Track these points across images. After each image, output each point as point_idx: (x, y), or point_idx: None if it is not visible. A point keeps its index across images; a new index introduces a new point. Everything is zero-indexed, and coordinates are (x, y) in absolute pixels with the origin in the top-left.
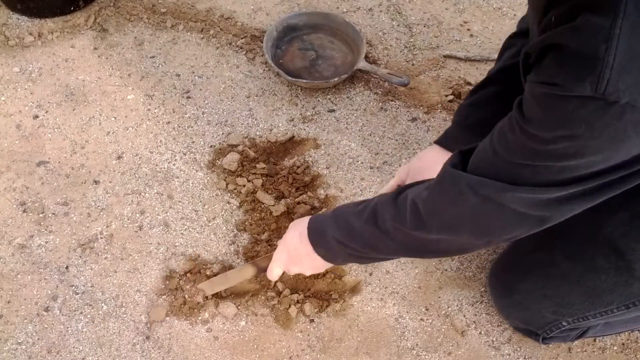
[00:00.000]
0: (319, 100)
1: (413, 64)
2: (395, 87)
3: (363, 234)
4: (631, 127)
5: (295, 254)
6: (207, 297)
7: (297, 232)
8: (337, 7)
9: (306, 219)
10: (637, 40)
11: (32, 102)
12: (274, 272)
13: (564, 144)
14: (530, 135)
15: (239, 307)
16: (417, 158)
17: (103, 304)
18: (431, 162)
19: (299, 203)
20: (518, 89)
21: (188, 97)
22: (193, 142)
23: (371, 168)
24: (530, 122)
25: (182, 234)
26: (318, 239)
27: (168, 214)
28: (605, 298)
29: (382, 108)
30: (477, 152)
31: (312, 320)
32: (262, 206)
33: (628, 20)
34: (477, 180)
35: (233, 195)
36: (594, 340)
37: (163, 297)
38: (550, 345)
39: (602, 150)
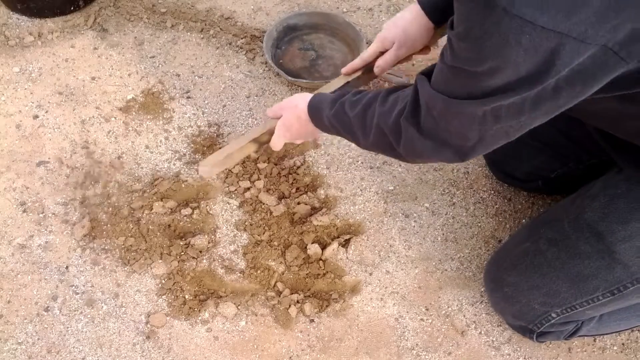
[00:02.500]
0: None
1: (413, 64)
2: (395, 87)
3: (351, 124)
4: (512, 35)
5: (291, 114)
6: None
7: (300, 100)
8: (337, 7)
9: (308, 96)
10: None
11: (32, 102)
12: (277, 142)
13: (465, 44)
14: (450, 39)
15: (239, 307)
16: (395, 20)
17: (103, 304)
18: (409, 24)
19: (299, 203)
20: None
21: (188, 97)
22: (193, 142)
23: (371, 168)
24: (451, 24)
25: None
26: (315, 115)
27: (169, 213)
28: (590, 284)
29: None
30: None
31: (312, 320)
32: (262, 206)
33: None
34: (432, 95)
35: (233, 195)
36: (594, 340)
37: (163, 297)
38: (550, 345)
39: (491, 56)
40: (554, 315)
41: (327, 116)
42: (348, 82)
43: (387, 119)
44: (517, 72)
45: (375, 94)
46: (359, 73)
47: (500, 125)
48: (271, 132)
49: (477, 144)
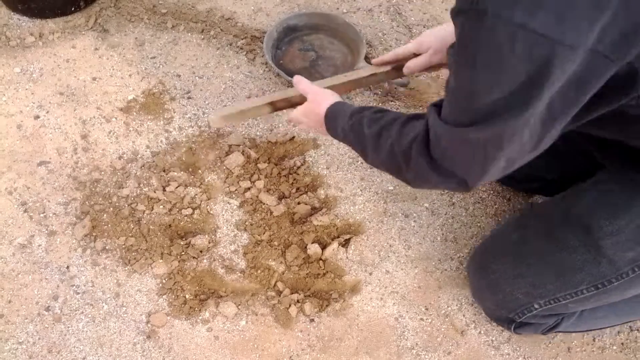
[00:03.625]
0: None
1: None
2: (395, 88)
3: (365, 140)
4: (505, 44)
5: (312, 108)
6: (217, 129)
7: (324, 101)
8: (337, 8)
9: (332, 99)
10: None
11: (33, 103)
12: (294, 119)
13: (464, 60)
14: (450, 59)
15: (239, 307)
16: (435, 30)
17: (103, 304)
18: (449, 35)
19: (299, 203)
20: None
21: (189, 98)
22: (194, 142)
23: (371, 168)
24: (451, 45)
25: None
26: (330, 123)
27: (169, 213)
28: (575, 277)
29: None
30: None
31: (312, 320)
32: (263, 206)
33: None
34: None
35: (234, 195)
36: (593, 340)
37: (163, 296)
38: (549, 345)
39: (487, 68)
40: (536, 306)
41: (342, 127)
42: (375, 74)
43: (401, 144)
44: (513, 83)
45: (395, 117)
46: (388, 68)
47: (503, 152)
48: (287, 100)
49: (481, 175)
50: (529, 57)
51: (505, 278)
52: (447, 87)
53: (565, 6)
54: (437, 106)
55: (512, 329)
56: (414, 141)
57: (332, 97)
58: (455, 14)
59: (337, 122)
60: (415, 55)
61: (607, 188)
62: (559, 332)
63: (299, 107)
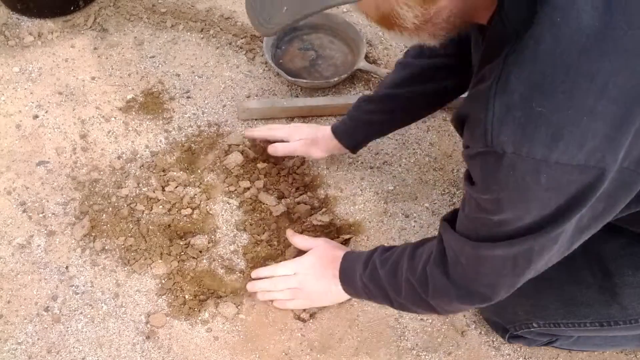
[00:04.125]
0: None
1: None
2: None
3: (383, 282)
4: (529, 177)
5: (322, 271)
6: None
7: (331, 252)
8: (337, 7)
9: (341, 249)
10: (509, 96)
11: (32, 102)
12: (285, 270)
13: (487, 196)
14: (470, 193)
15: (238, 307)
16: (317, 127)
17: (103, 304)
18: (320, 140)
19: (299, 203)
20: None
21: (188, 97)
22: (193, 141)
23: (371, 168)
24: (469, 180)
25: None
26: (347, 280)
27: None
28: (581, 311)
29: None
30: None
31: (312, 320)
32: (262, 206)
33: (501, 80)
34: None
35: (233, 195)
36: None
37: (163, 297)
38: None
39: (514, 203)
40: (535, 325)
41: (360, 276)
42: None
43: (415, 271)
44: (543, 211)
45: (403, 248)
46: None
47: (534, 266)
48: (310, 109)
49: (509, 290)
50: (558, 185)
51: (509, 294)
52: (464, 211)
53: (586, 133)
54: (450, 221)
55: (506, 337)
56: (428, 263)
57: (338, 249)
58: (472, 157)
59: (355, 274)
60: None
61: (636, 238)
62: (555, 347)
63: (295, 264)
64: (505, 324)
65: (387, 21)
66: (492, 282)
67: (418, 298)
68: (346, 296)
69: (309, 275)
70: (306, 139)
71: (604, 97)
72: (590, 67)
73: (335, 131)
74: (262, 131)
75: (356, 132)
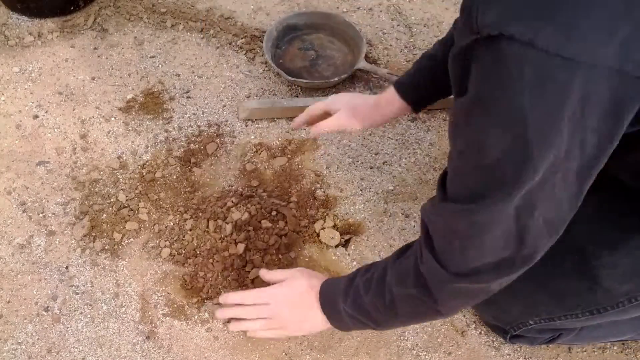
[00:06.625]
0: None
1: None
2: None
3: (370, 307)
4: (513, 67)
5: (298, 300)
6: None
7: (306, 281)
8: (337, 7)
9: (318, 278)
10: None
11: (32, 102)
12: (256, 299)
13: (480, 109)
14: (454, 134)
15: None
16: (356, 95)
17: (103, 304)
18: (360, 108)
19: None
20: None
21: (188, 97)
22: (193, 141)
23: (371, 168)
24: (452, 125)
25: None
26: (329, 309)
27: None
28: (570, 301)
29: None
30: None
31: None
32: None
33: None
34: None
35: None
36: None
37: (162, 296)
38: (550, 346)
39: (500, 113)
40: (531, 322)
41: (344, 309)
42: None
43: (405, 280)
44: (528, 122)
45: (384, 264)
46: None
47: (538, 214)
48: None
49: (526, 256)
50: (541, 83)
51: (500, 294)
52: (451, 157)
53: (578, 16)
54: (432, 200)
55: (507, 339)
56: (418, 264)
57: (315, 275)
58: (455, 55)
59: (338, 306)
60: (327, 114)
61: (610, 217)
62: (559, 343)
63: (266, 293)
64: (503, 325)
65: None
66: (497, 249)
67: (420, 305)
68: (325, 324)
69: (282, 304)
70: (346, 107)
71: None
72: None
73: (399, 88)
74: (301, 117)
75: (419, 88)
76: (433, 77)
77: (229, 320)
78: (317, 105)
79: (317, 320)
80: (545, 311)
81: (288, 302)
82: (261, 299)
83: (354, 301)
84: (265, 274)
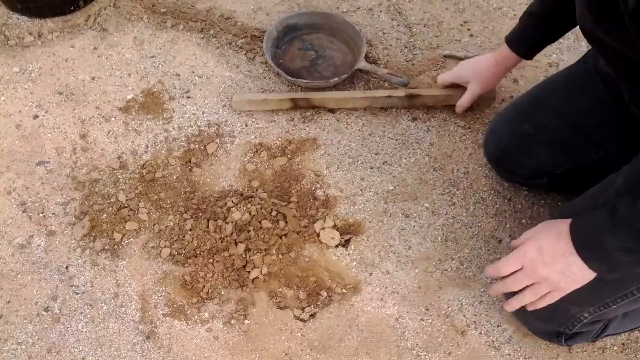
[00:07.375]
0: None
1: (413, 64)
2: (396, 87)
3: None
4: None
5: (549, 251)
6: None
7: (554, 230)
8: (337, 7)
9: (563, 222)
10: None
11: (32, 102)
12: (507, 266)
13: None
14: None
15: (239, 307)
16: (478, 59)
17: (103, 304)
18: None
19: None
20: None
21: (188, 97)
22: (193, 141)
23: (371, 168)
24: None
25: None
26: (591, 250)
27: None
28: (624, 280)
29: (382, 108)
30: None
31: (312, 320)
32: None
33: None
34: None
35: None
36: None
37: (162, 295)
38: (550, 345)
39: None
40: (586, 314)
41: (616, 245)
42: (390, 97)
43: None
44: None
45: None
46: (435, 91)
47: None
48: (308, 100)
49: None
50: None
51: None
52: None
53: None
54: None
55: (564, 341)
56: None
57: (560, 222)
58: None
59: (600, 241)
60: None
61: None
62: (608, 335)
63: (516, 257)
64: (558, 327)
65: None
66: None
67: None
68: (588, 270)
69: (535, 263)
70: (475, 78)
71: None
72: None
73: (511, 40)
74: (447, 78)
75: (528, 39)
76: (538, 27)
77: (504, 302)
78: (445, 77)
79: (582, 272)
80: (601, 297)
81: (540, 258)
82: (513, 264)
83: (632, 230)
84: (514, 242)
